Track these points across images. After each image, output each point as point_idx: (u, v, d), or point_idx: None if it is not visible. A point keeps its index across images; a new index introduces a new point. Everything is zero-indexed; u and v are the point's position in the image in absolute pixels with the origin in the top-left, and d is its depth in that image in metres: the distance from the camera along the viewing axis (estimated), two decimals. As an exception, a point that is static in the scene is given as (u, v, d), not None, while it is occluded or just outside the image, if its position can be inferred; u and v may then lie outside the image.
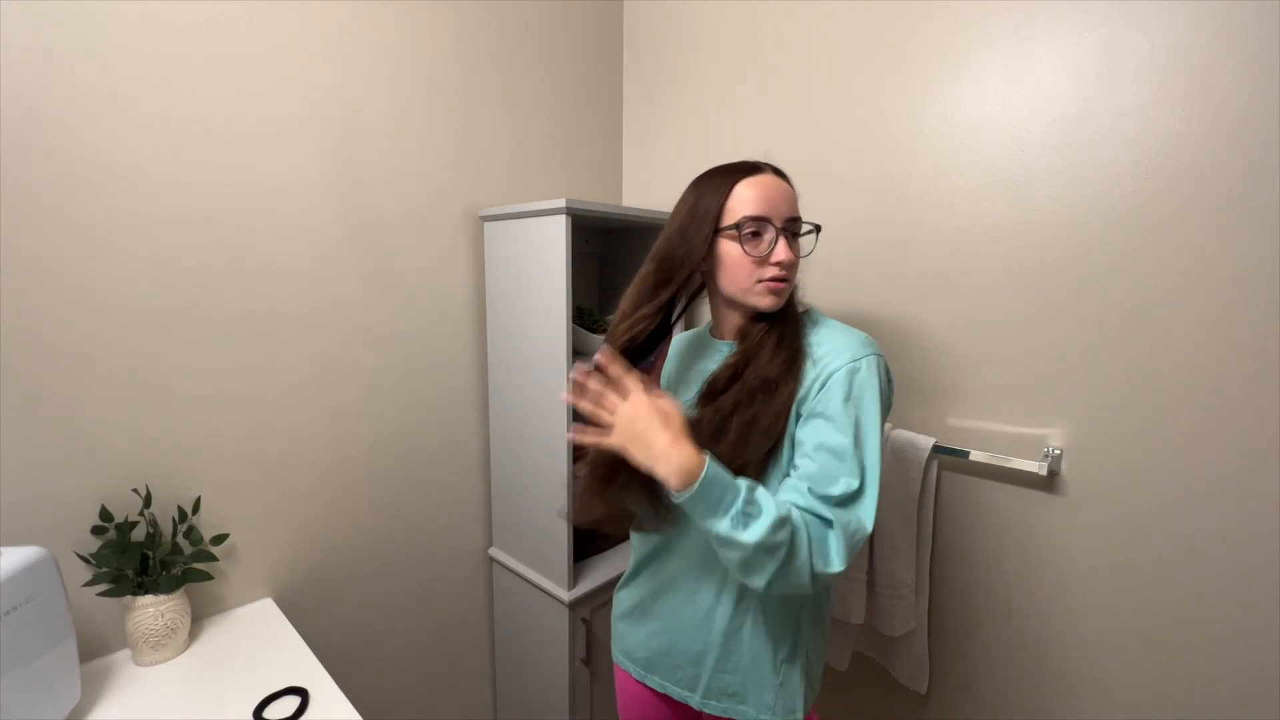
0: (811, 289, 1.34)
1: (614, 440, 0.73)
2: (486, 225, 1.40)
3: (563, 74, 1.57)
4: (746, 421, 0.79)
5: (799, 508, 0.72)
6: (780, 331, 0.83)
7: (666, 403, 0.73)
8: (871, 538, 1.22)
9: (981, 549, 1.17)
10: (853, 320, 1.28)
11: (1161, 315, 0.95)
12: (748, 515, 0.68)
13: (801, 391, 0.80)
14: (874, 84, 1.22)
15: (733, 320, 0.89)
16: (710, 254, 0.84)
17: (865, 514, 0.73)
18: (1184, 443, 0.95)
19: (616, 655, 1.03)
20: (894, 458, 1.18)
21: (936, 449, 1.15)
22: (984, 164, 1.09)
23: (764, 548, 0.67)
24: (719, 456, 0.73)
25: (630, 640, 0.98)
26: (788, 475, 0.79)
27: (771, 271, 0.81)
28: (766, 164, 0.86)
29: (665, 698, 0.97)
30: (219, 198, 1.07)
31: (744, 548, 0.67)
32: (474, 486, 1.52)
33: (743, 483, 0.70)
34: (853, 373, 0.77)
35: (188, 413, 1.07)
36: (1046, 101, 1.01)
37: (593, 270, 1.66)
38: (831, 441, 0.74)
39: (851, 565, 1.22)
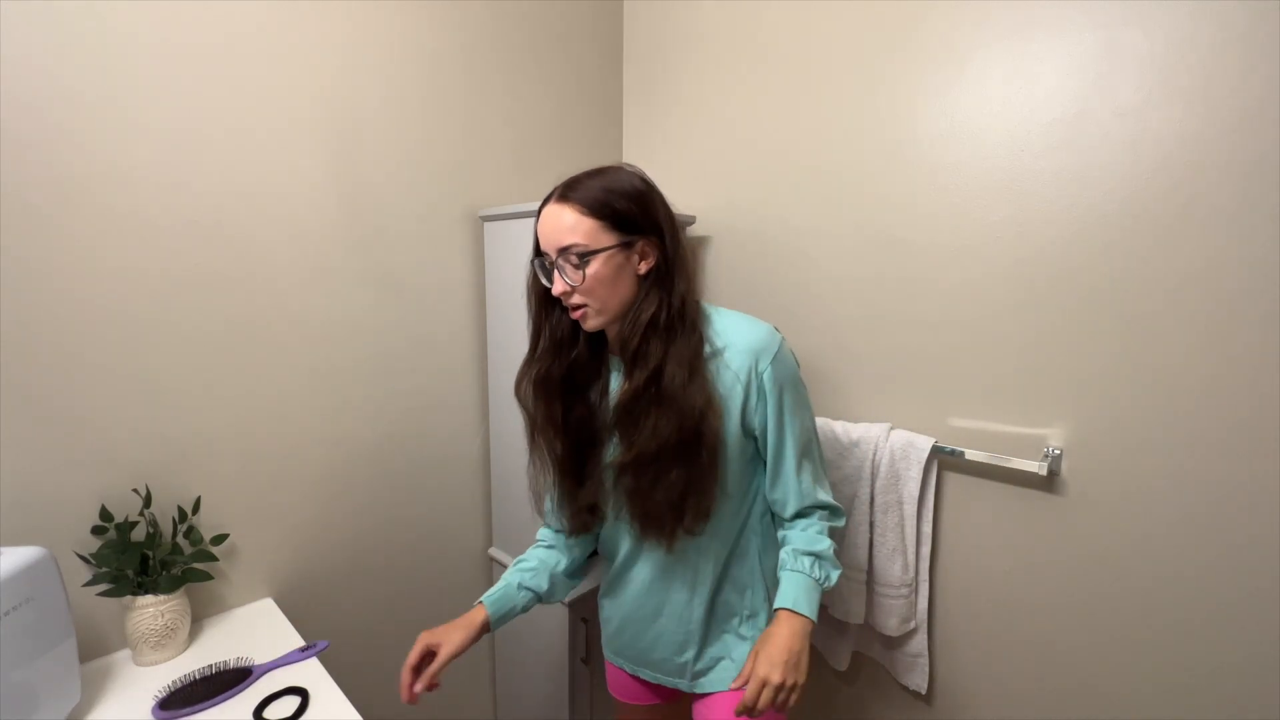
0: (811, 288, 1.35)
1: (796, 679, 0.80)
2: (486, 225, 1.40)
3: (563, 74, 1.57)
4: (680, 484, 0.84)
5: (820, 509, 0.91)
6: (674, 351, 0.82)
7: (763, 653, 0.81)
8: (871, 538, 1.22)
9: (981, 549, 1.17)
10: (853, 320, 1.28)
11: (1162, 315, 0.95)
12: (825, 579, 0.87)
13: (730, 402, 0.85)
14: (874, 84, 1.22)
15: (611, 335, 0.89)
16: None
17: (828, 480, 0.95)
18: (1184, 443, 0.95)
19: (608, 654, 1.09)
20: (893, 457, 1.18)
21: (936, 449, 1.15)
22: (984, 164, 1.09)
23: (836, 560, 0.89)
24: (659, 509, 0.85)
25: (619, 642, 1.04)
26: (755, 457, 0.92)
27: (564, 300, 0.84)
28: (558, 187, 0.84)
29: (656, 686, 1.04)
30: (218, 199, 1.07)
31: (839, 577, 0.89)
32: (474, 486, 1.52)
33: (813, 572, 0.86)
34: (778, 374, 0.85)
35: (188, 413, 1.07)
36: (1046, 101, 1.01)
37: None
38: (801, 443, 0.89)
39: (851, 565, 1.23)
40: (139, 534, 1.01)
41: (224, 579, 1.14)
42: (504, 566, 1.47)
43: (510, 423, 1.41)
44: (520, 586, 0.97)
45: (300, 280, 1.18)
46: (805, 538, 0.88)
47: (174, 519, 1.05)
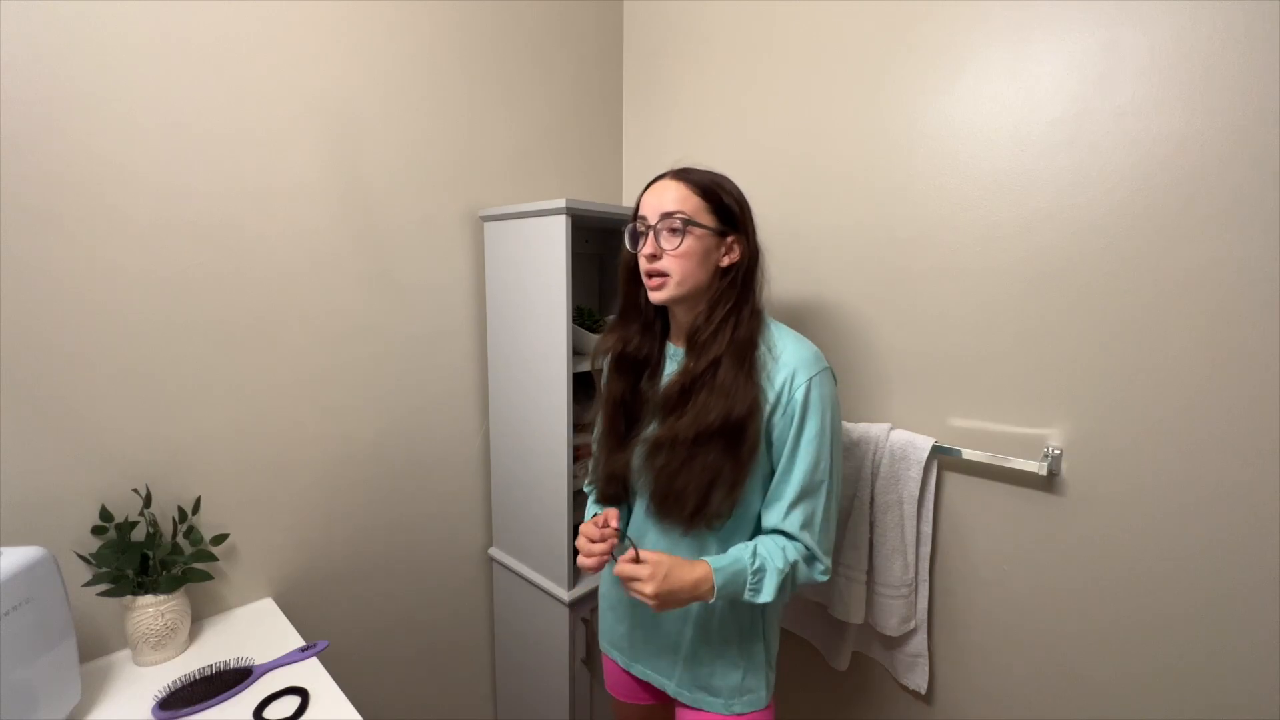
0: (811, 288, 1.34)
1: (653, 596, 0.80)
2: (486, 225, 1.40)
3: (563, 74, 1.57)
4: (710, 471, 0.85)
5: (791, 538, 0.87)
6: (735, 348, 0.86)
7: (662, 556, 0.82)
8: (872, 537, 1.22)
9: (981, 549, 1.17)
10: (853, 320, 1.28)
11: (1162, 315, 0.95)
12: (756, 588, 0.84)
13: (765, 412, 0.86)
14: (874, 83, 1.21)
15: (677, 321, 0.95)
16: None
17: (831, 539, 0.91)
18: (1184, 443, 0.95)
19: (604, 645, 1.10)
20: (893, 457, 1.18)
21: (936, 449, 1.15)
22: (984, 164, 1.09)
23: (777, 595, 0.84)
24: (682, 492, 0.86)
25: (616, 633, 1.06)
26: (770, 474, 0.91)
27: (644, 266, 0.89)
28: (669, 170, 0.91)
29: (648, 685, 1.05)
30: (218, 199, 1.07)
31: (764, 602, 0.84)
32: (474, 486, 1.52)
33: (745, 561, 0.84)
34: (809, 394, 0.85)
35: (188, 413, 1.07)
36: (1046, 101, 1.01)
37: (593, 270, 1.66)
38: (808, 480, 0.86)
39: (851, 565, 1.23)
40: (139, 534, 1.01)
41: (224, 579, 1.14)
42: (504, 566, 1.48)
43: (510, 423, 1.41)
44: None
45: (300, 280, 1.18)
46: (770, 548, 0.85)
47: (174, 519, 1.05)
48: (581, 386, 1.31)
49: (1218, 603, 0.95)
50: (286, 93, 1.13)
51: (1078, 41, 0.97)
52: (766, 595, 0.83)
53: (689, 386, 0.87)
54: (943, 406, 1.19)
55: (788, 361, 0.87)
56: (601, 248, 1.66)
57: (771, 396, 0.86)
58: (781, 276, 1.39)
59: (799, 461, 0.86)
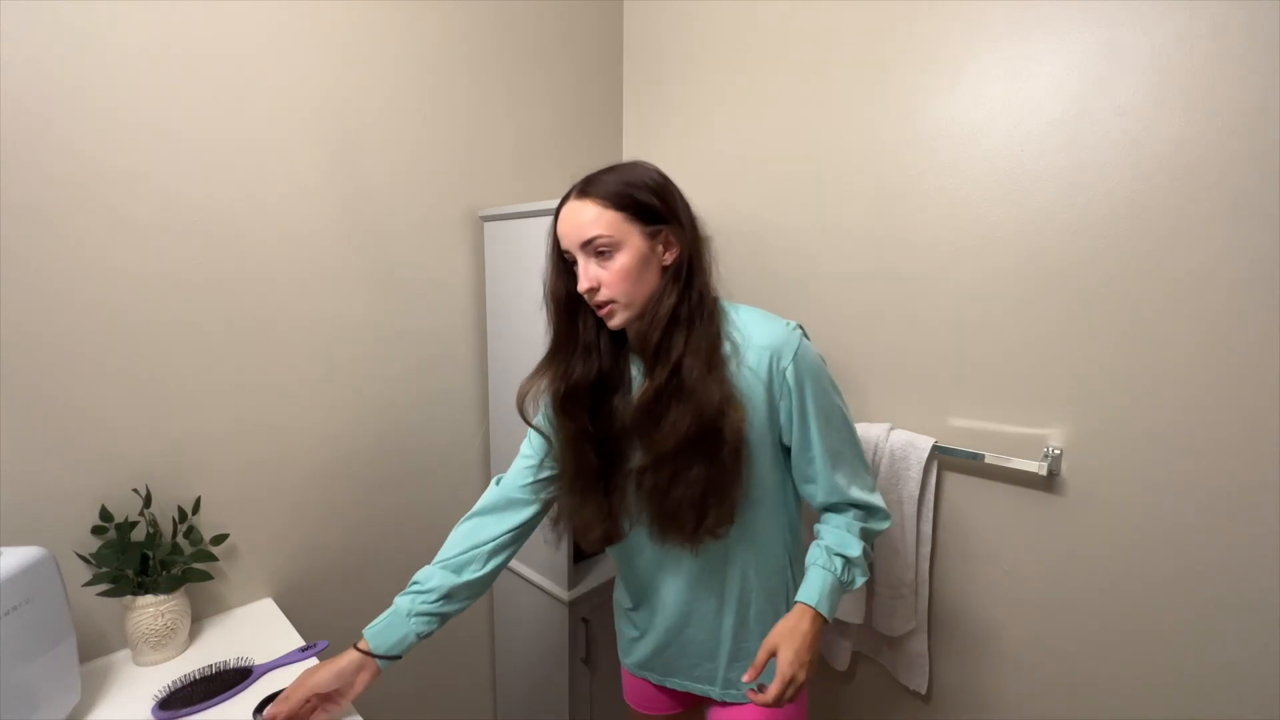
0: (811, 289, 1.35)
1: (807, 671, 0.80)
2: (486, 225, 1.40)
3: (563, 74, 1.57)
4: (699, 483, 0.81)
5: (841, 508, 0.88)
6: (694, 345, 0.80)
7: (777, 648, 0.80)
8: (871, 538, 1.22)
9: (981, 549, 1.17)
10: (853, 320, 1.28)
11: (1162, 315, 0.95)
12: (851, 581, 0.85)
13: (754, 402, 0.82)
14: (874, 83, 1.21)
15: (631, 329, 0.85)
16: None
17: (870, 476, 0.92)
18: (1184, 443, 0.95)
19: (631, 667, 1.05)
20: (893, 457, 1.18)
21: (936, 449, 1.15)
22: (984, 164, 1.09)
23: (869, 565, 0.88)
24: (677, 511, 0.83)
25: (643, 653, 1.00)
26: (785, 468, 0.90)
27: (588, 299, 0.82)
28: (576, 184, 0.83)
29: (677, 693, 1.01)
30: (219, 200, 1.07)
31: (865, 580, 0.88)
32: (474, 486, 1.52)
33: (832, 574, 0.84)
34: (799, 371, 0.82)
35: (188, 413, 1.07)
36: (1046, 101, 1.01)
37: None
38: (836, 445, 0.85)
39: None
40: (139, 534, 1.01)
41: (224, 579, 1.14)
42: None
43: (510, 423, 1.41)
44: (412, 614, 0.89)
45: (301, 280, 1.18)
46: (838, 537, 0.85)
47: (174, 519, 1.05)
48: (581, 386, 1.31)
49: (1218, 603, 0.95)
50: (288, 95, 1.13)
51: (1078, 41, 0.97)
52: (862, 577, 0.86)
53: (654, 403, 0.80)
54: (943, 406, 1.19)
55: (761, 343, 0.82)
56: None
57: (762, 390, 0.82)
58: (781, 276, 1.39)
59: (814, 433, 0.83)
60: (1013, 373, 1.10)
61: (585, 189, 0.81)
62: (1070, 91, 0.99)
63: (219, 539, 1.09)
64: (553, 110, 1.56)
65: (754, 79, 1.41)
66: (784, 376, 0.81)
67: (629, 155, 1.73)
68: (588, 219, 0.79)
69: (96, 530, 0.98)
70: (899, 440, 1.18)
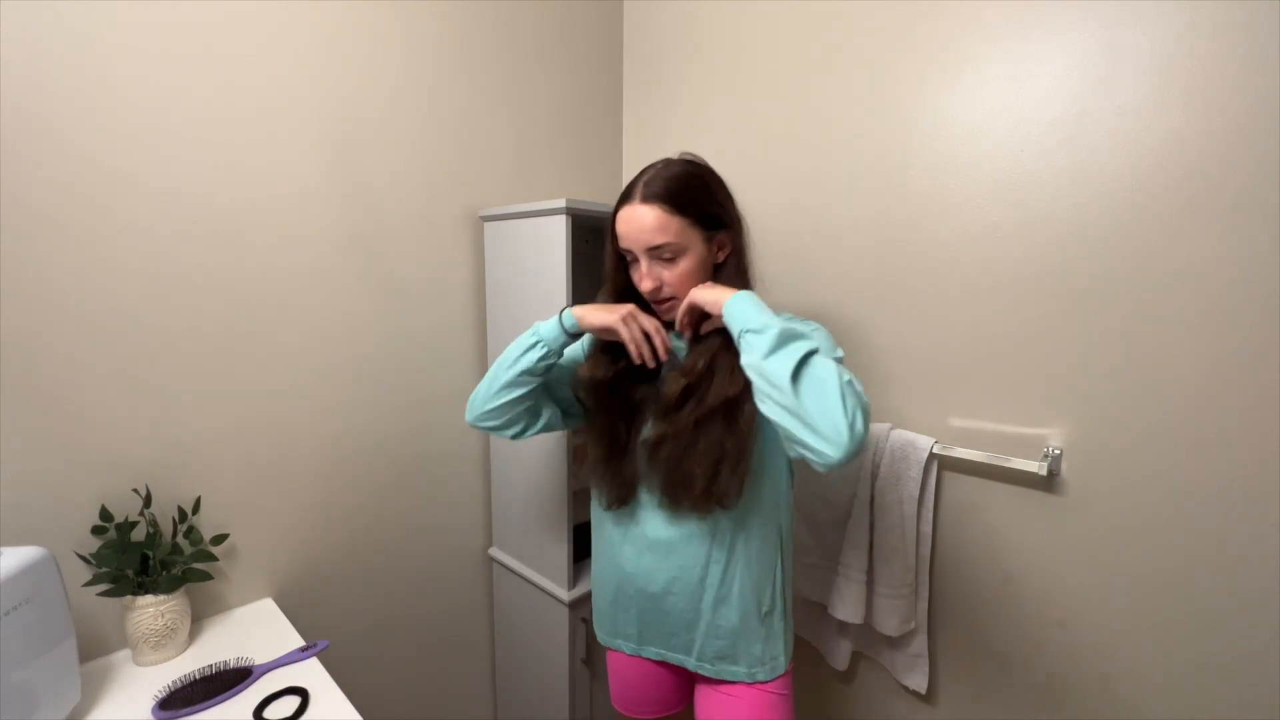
0: (811, 288, 1.34)
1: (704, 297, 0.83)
2: (486, 225, 1.40)
3: (563, 74, 1.57)
4: (714, 450, 0.84)
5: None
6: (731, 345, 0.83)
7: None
8: (872, 538, 1.22)
9: (981, 549, 1.17)
10: (853, 319, 1.28)
11: (1162, 315, 0.95)
12: (798, 336, 0.75)
13: None
14: (873, 83, 1.21)
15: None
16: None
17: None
18: (1184, 443, 0.95)
19: (605, 638, 1.07)
20: (893, 457, 1.18)
21: (936, 449, 1.15)
22: (984, 164, 1.09)
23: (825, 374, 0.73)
24: (690, 474, 0.85)
25: (620, 620, 1.03)
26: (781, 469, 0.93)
27: (641, 290, 0.88)
28: (638, 186, 0.86)
29: (662, 664, 1.03)
30: (218, 200, 1.07)
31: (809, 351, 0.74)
32: (474, 486, 1.52)
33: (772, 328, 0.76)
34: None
35: (188, 413, 1.07)
36: (1046, 101, 1.01)
37: (593, 270, 1.65)
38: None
39: (851, 565, 1.23)
40: (139, 534, 1.01)
41: (224, 579, 1.14)
42: (504, 566, 1.48)
43: (510, 423, 1.41)
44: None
45: (300, 280, 1.18)
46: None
47: (174, 519, 1.05)
48: (581, 386, 1.30)
49: (1218, 602, 0.95)
50: (288, 95, 1.13)
51: (1078, 41, 0.97)
52: (790, 349, 0.72)
53: (693, 385, 0.86)
54: (943, 406, 1.19)
55: None
56: (601, 248, 1.66)
57: None
58: (781, 276, 1.39)
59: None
60: (1012, 373, 1.10)
61: (649, 193, 0.84)
62: (1070, 91, 0.99)
63: (219, 539, 1.09)
64: (553, 110, 1.56)
65: (754, 79, 1.41)
66: None
67: (629, 155, 1.74)
68: (653, 225, 0.83)
69: (96, 530, 0.98)
70: (899, 440, 1.18)
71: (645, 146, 1.69)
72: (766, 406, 0.73)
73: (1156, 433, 0.97)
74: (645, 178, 0.86)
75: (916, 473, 1.15)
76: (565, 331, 0.93)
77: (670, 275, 0.86)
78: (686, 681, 1.05)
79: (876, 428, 1.21)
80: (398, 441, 1.36)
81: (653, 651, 1.01)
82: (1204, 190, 0.90)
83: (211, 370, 1.09)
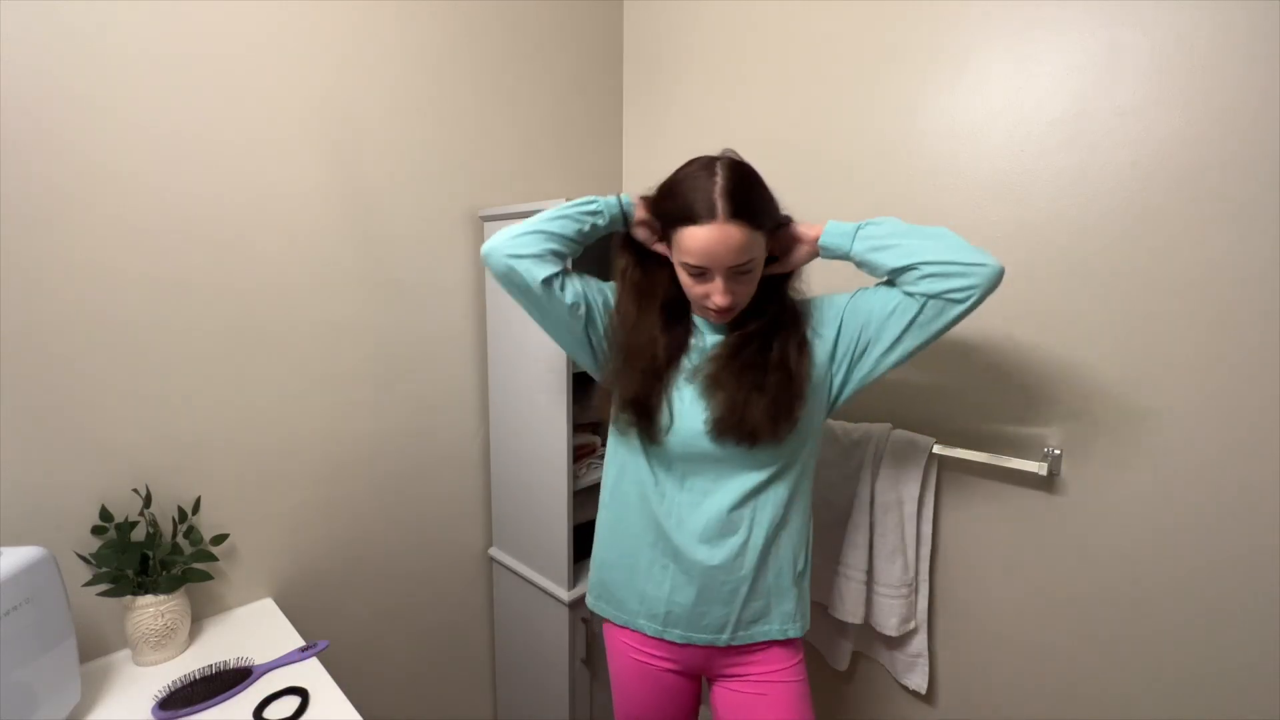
0: (811, 287, 1.34)
1: None
2: (486, 225, 1.40)
3: (563, 74, 1.57)
4: (773, 389, 0.87)
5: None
6: (781, 323, 0.91)
7: None
8: (872, 538, 1.22)
9: (981, 549, 1.17)
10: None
11: (1162, 315, 0.95)
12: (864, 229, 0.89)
13: (819, 348, 0.92)
14: (874, 84, 1.21)
15: None
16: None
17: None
18: (1185, 443, 0.95)
19: (622, 616, 1.00)
20: (894, 457, 1.18)
21: (936, 449, 1.15)
22: (984, 163, 1.09)
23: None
24: (745, 406, 0.87)
25: (649, 595, 0.96)
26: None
27: (712, 304, 0.86)
28: (718, 201, 0.79)
29: (677, 670, 1.00)
30: (218, 201, 1.07)
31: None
32: (474, 486, 1.52)
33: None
34: (839, 300, 0.93)
35: (188, 413, 1.07)
36: (1047, 101, 1.01)
37: (593, 270, 1.66)
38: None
39: (851, 565, 1.23)
40: (139, 534, 1.01)
41: (224, 579, 1.14)
42: (504, 566, 1.48)
43: (510, 423, 1.41)
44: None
45: (300, 281, 1.18)
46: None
47: (174, 519, 1.05)
48: (581, 386, 1.30)
49: (1218, 602, 0.95)
50: (288, 96, 1.13)
51: (1078, 41, 0.98)
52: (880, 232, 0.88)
53: (753, 331, 0.91)
54: (943, 406, 1.19)
55: (826, 300, 0.96)
56: (602, 248, 1.65)
57: (831, 326, 0.92)
58: (781, 276, 1.39)
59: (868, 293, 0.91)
60: (1013, 373, 1.10)
61: (734, 211, 0.80)
62: (1070, 91, 0.99)
63: (219, 539, 1.09)
64: (553, 110, 1.56)
65: (753, 79, 1.41)
66: (837, 309, 0.93)
67: (629, 153, 1.74)
68: (740, 245, 0.80)
69: (96, 530, 0.98)
70: (899, 440, 1.18)
71: (645, 146, 1.69)
72: (919, 255, 0.82)
73: (1156, 433, 0.97)
74: (722, 189, 0.80)
75: (917, 473, 1.15)
76: (621, 210, 0.94)
77: (742, 289, 0.85)
78: (697, 687, 1.04)
79: (877, 428, 1.21)
80: (398, 441, 1.36)
81: (676, 635, 0.95)
82: (1204, 190, 0.90)
83: (212, 371, 1.09)
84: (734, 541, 0.92)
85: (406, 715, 1.47)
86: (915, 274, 0.83)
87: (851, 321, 0.90)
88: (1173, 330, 0.94)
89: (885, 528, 1.20)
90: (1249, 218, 0.87)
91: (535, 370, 1.30)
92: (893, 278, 0.86)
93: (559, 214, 0.92)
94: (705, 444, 0.90)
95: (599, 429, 1.49)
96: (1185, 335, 0.93)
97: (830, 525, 1.27)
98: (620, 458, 0.99)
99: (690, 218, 0.81)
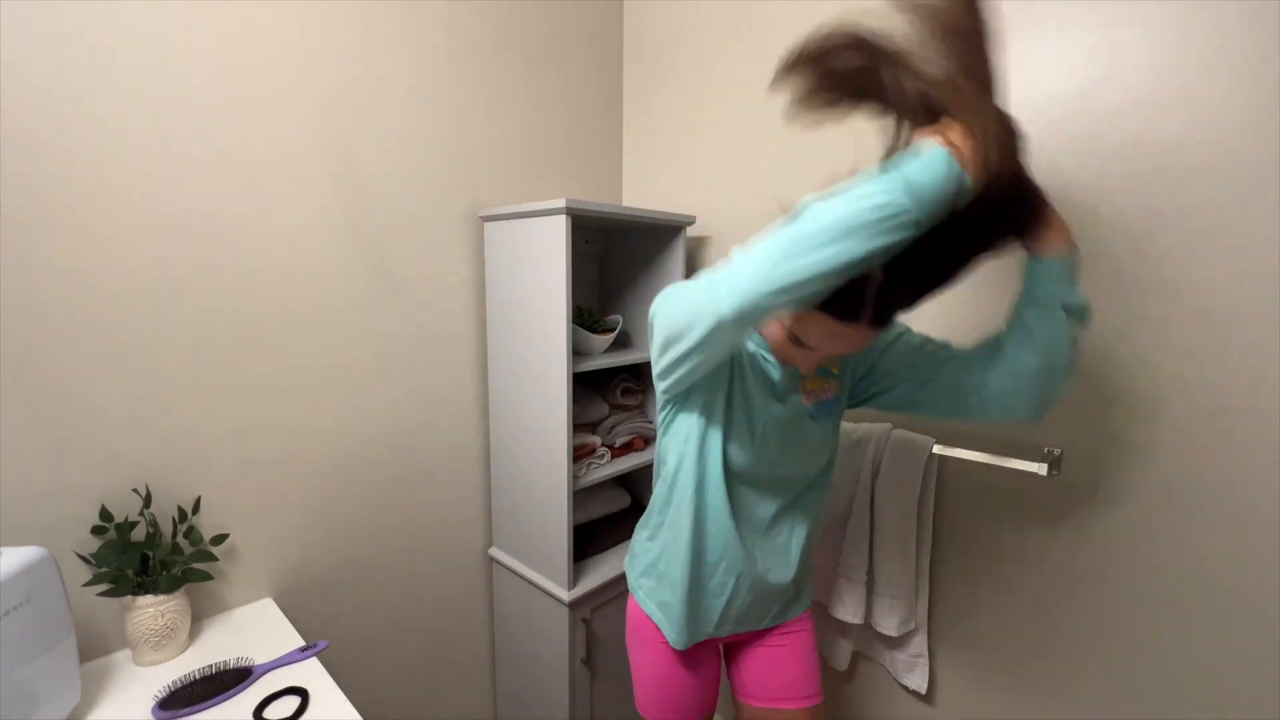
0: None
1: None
2: (486, 225, 1.40)
3: (563, 74, 1.57)
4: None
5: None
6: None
7: None
8: (872, 538, 1.22)
9: (981, 549, 1.17)
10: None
11: (1163, 315, 0.95)
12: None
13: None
14: (874, 84, 1.21)
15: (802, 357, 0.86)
16: None
17: None
18: (1185, 443, 0.95)
19: (687, 639, 0.97)
20: (894, 458, 1.18)
21: (936, 449, 1.15)
22: (984, 164, 1.09)
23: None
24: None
25: (709, 611, 0.97)
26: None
27: (798, 366, 0.89)
28: (869, 310, 0.71)
29: (710, 652, 1.06)
30: (219, 200, 1.07)
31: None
32: (474, 486, 1.52)
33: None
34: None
35: (188, 413, 1.07)
36: (1047, 101, 1.01)
37: (593, 270, 1.66)
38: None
39: (851, 565, 1.23)
40: (139, 534, 1.01)
41: (224, 579, 1.14)
42: (504, 566, 1.48)
43: (510, 423, 1.41)
44: None
45: (301, 280, 1.18)
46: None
47: (174, 519, 1.05)
48: (581, 386, 1.31)
49: (1219, 603, 0.94)
50: (288, 97, 1.13)
51: (1078, 41, 0.97)
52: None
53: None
54: (943, 406, 1.19)
55: None
56: (601, 248, 1.66)
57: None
58: (781, 276, 1.39)
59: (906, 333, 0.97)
60: (1013, 373, 1.09)
61: (882, 321, 0.75)
62: (1070, 91, 0.99)
63: (219, 539, 1.09)
64: (553, 110, 1.56)
65: (753, 78, 1.41)
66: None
67: (629, 153, 1.74)
68: (866, 340, 0.79)
69: (96, 530, 0.98)
70: (900, 440, 1.18)
71: (645, 146, 1.69)
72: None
73: (1157, 433, 0.97)
74: (882, 299, 0.71)
75: (916, 473, 1.15)
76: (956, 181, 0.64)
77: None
78: (718, 658, 1.09)
79: (877, 428, 1.21)
80: (398, 441, 1.36)
81: (727, 630, 1.00)
82: (1204, 190, 0.90)
83: (212, 370, 1.09)
84: (776, 542, 0.98)
85: (406, 715, 1.47)
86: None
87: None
88: (1172, 329, 0.94)
89: (885, 528, 1.20)
90: (1249, 217, 0.87)
91: (535, 370, 1.30)
92: None
93: (858, 223, 0.64)
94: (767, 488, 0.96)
95: (598, 429, 1.49)
96: (1185, 334, 0.93)
97: (830, 525, 1.27)
98: (696, 477, 0.93)
99: (828, 308, 0.72)
